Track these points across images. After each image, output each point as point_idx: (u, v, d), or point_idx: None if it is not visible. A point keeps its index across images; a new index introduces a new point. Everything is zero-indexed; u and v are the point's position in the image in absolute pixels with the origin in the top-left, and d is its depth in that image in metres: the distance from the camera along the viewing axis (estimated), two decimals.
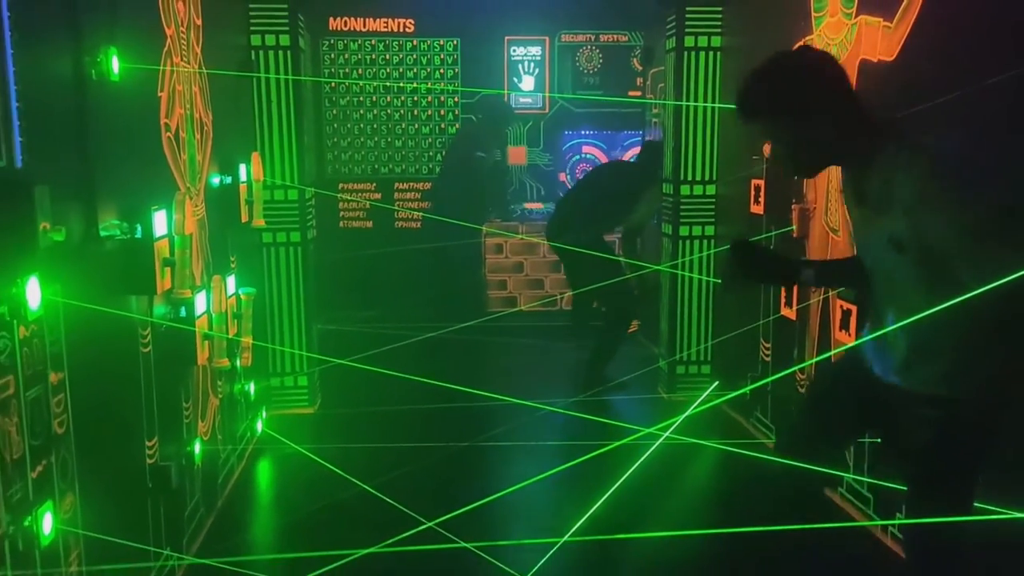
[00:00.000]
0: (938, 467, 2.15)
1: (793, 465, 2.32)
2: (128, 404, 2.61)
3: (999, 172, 2.39)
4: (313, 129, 6.47)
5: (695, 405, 4.33)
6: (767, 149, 3.48)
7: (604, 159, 7.12)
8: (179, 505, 3.03)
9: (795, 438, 2.52)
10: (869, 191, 2.11)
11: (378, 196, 6.96)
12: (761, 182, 4.16)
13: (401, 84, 6.93)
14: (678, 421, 3.75)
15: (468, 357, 5.48)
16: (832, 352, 3.42)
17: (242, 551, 3.23)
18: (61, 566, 2.10)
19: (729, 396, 4.60)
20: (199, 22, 3.40)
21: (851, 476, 3.36)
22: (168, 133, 2.96)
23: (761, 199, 4.17)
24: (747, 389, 4.26)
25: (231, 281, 3.56)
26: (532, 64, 7.08)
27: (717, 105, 4.82)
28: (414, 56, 6.94)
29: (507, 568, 2.91)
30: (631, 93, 7.08)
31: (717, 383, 4.97)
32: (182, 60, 3.14)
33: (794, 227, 3.85)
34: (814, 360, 2.38)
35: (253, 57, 4.48)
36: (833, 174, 3.44)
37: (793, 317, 3.90)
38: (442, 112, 7.03)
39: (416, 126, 7.02)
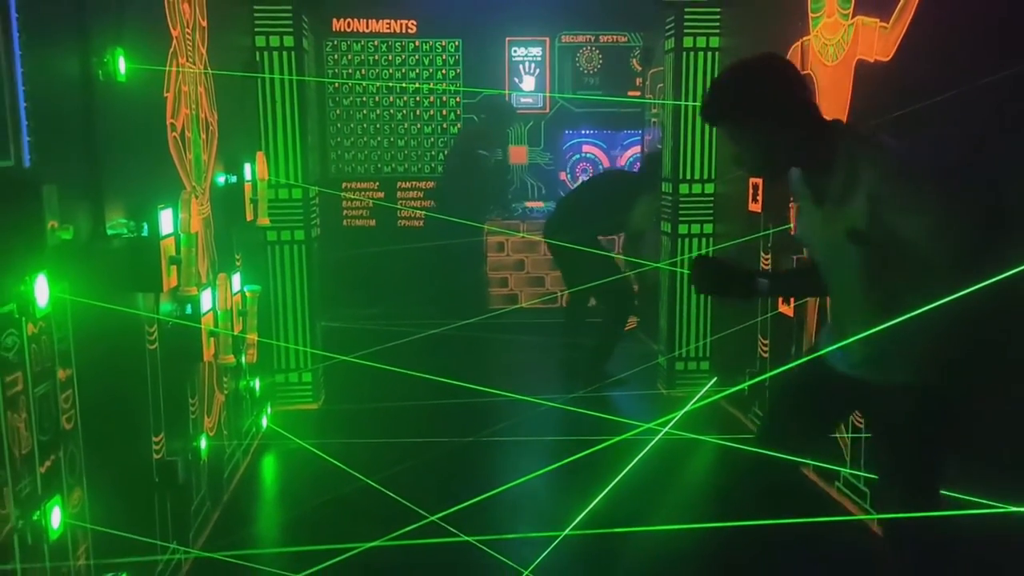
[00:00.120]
0: (905, 452, 2.22)
1: (771, 454, 2.38)
2: (135, 400, 2.64)
3: (982, 171, 2.46)
4: (317, 129, 6.51)
5: (694, 401, 4.35)
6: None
7: (604, 158, 7.17)
8: (185, 500, 3.05)
9: (769, 431, 2.57)
10: (830, 189, 2.18)
11: (381, 195, 6.99)
12: (759, 181, 4.19)
13: (404, 84, 6.95)
14: (677, 417, 3.78)
15: (470, 354, 5.50)
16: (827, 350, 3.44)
17: (248, 545, 3.25)
18: (69, 559, 2.12)
19: (728, 392, 4.63)
20: (204, 23, 3.43)
21: (848, 471, 3.40)
22: (174, 133, 2.99)
23: (759, 198, 4.20)
24: (745, 385, 4.28)
25: (236, 279, 3.59)
26: (533, 64, 7.11)
27: None
28: (416, 57, 6.97)
29: (509, 561, 2.94)
30: (631, 93, 7.10)
31: (716, 379, 5.00)
32: (188, 61, 3.17)
33: (792, 225, 3.87)
34: (810, 357, 2.41)
35: (258, 58, 4.51)
36: None
37: (791, 314, 3.93)
38: (444, 112, 7.06)
39: (418, 126, 7.05)
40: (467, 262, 6.37)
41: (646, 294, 5.87)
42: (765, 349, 4.30)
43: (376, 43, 6.93)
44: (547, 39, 7.10)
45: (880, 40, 3.11)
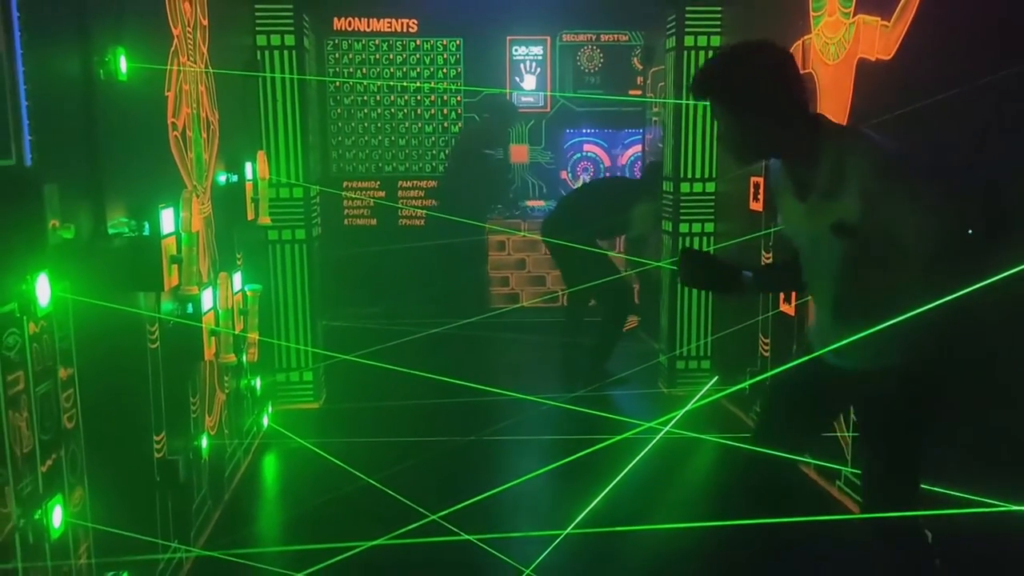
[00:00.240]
0: (891, 435, 2.25)
1: (772, 453, 2.39)
2: (136, 399, 2.64)
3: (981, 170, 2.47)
4: (318, 128, 6.51)
5: (695, 400, 4.35)
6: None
7: (605, 157, 7.18)
8: (187, 498, 3.06)
9: (764, 430, 2.57)
10: (817, 181, 2.19)
11: (382, 194, 6.99)
12: (760, 179, 4.19)
13: (405, 83, 6.95)
14: (678, 416, 3.78)
15: (471, 353, 5.51)
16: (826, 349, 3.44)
17: (249, 544, 3.26)
18: (71, 558, 2.12)
19: (728, 391, 4.63)
20: (205, 22, 3.43)
21: (848, 469, 3.40)
22: (175, 132, 2.99)
23: (760, 196, 4.20)
24: (746, 384, 4.29)
25: (237, 278, 3.59)
26: (534, 63, 7.11)
27: None
28: (417, 56, 6.97)
29: (510, 560, 2.94)
30: (631, 92, 7.10)
31: (717, 378, 5.00)
32: (189, 60, 3.17)
33: None
34: (811, 356, 2.42)
35: (259, 57, 4.52)
36: None
37: (792, 313, 3.93)
38: (445, 111, 7.06)
39: (419, 125, 7.05)
40: (468, 261, 6.38)
41: (647, 293, 5.87)
42: (766, 348, 4.30)
43: (377, 42, 6.93)
44: (548, 38, 7.10)
45: (881, 39, 3.11)
